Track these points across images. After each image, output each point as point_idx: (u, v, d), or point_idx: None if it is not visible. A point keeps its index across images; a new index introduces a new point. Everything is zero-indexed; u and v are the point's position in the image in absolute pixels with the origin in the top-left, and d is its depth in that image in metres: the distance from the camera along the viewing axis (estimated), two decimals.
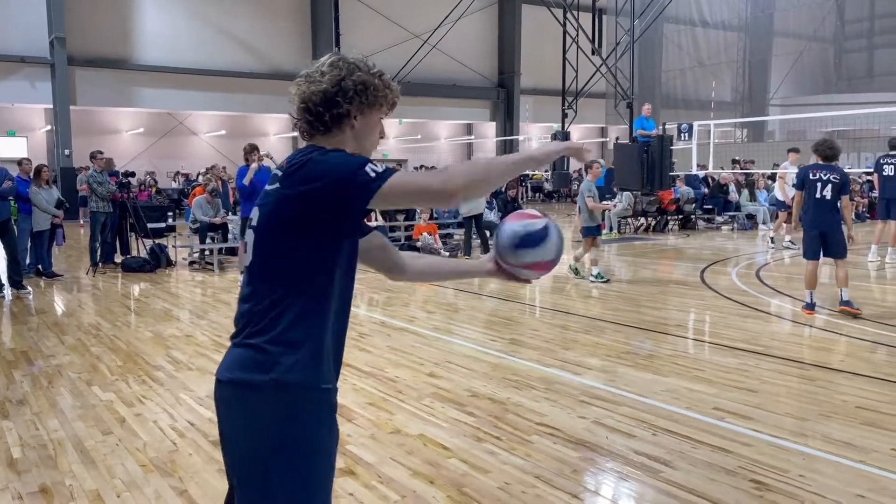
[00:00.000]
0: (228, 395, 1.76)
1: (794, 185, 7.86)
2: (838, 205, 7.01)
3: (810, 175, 7.09)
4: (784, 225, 13.32)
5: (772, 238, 13.50)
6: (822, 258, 7.24)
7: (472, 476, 3.51)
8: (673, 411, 4.43)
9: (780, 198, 13.52)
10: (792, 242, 13.47)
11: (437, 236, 12.55)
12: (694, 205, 16.77)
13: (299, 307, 1.71)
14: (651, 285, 9.32)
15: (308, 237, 1.70)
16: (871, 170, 13.02)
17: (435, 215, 13.42)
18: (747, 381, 5.02)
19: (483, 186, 1.71)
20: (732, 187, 17.18)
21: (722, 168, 17.01)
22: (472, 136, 33.34)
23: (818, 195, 6.99)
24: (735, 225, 16.64)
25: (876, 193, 12.74)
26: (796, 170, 13.85)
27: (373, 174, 1.63)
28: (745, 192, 17.28)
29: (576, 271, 9.79)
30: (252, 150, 9.29)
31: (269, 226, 1.74)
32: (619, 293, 8.70)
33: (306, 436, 1.71)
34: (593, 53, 17.48)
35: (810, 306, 7.12)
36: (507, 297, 8.66)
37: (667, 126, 15.82)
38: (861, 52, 34.94)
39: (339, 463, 3.69)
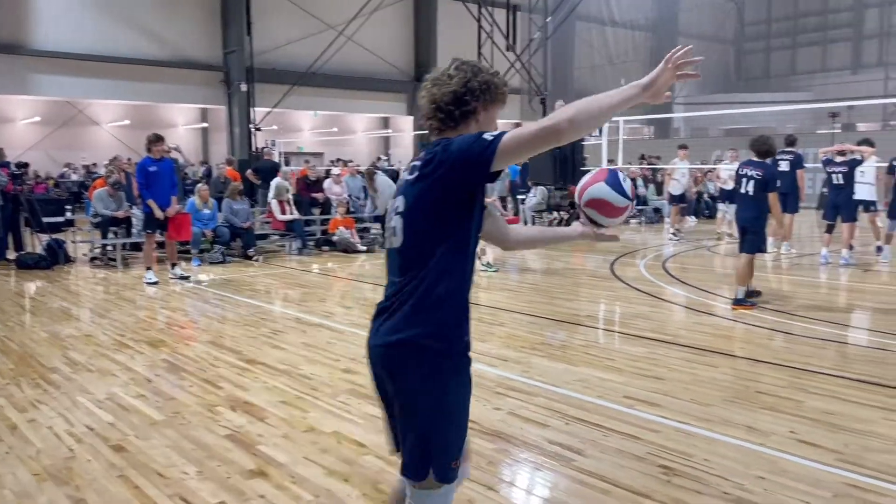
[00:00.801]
0: (395, 354, 2.10)
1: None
2: (763, 200, 7.13)
3: (739, 171, 7.36)
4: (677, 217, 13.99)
5: (673, 231, 14.08)
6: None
7: (388, 472, 3.46)
8: (585, 400, 4.52)
9: (673, 191, 14.13)
10: (677, 232, 14.02)
11: (354, 230, 12.41)
12: None
13: (446, 279, 2.06)
14: (564, 277, 9.52)
15: (449, 218, 2.04)
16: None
17: (352, 209, 13.26)
18: (655, 370, 5.18)
19: (593, 117, 1.90)
20: (640, 182, 17.75)
21: (630, 163, 17.52)
22: (390, 130, 33.17)
23: (742, 190, 7.26)
24: (643, 218, 17.20)
25: None
26: (685, 165, 14.50)
27: (489, 138, 1.91)
28: (652, 186, 17.88)
29: (488, 264, 9.93)
30: (156, 140, 8.90)
31: (416, 211, 2.06)
32: (532, 285, 8.83)
33: (461, 383, 2.15)
34: (508, 49, 17.67)
35: (740, 301, 7.23)
36: None
37: None
38: (758, 53, 36.84)
39: (250, 464, 3.57)
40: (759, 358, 5.49)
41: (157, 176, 8.90)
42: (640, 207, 17.38)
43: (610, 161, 17.30)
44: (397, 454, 2.20)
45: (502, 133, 1.91)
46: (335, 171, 14.66)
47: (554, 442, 3.84)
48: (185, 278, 9.41)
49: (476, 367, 5.19)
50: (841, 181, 10.25)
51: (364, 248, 12.25)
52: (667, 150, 23.37)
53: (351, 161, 16.82)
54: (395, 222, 2.13)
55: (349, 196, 13.32)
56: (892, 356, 5.52)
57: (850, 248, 10.17)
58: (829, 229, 10.51)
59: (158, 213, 8.95)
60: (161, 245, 9.71)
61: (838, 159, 10.40)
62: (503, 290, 8.69)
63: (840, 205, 10.29)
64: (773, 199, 7.15)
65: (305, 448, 3.77)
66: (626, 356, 5.55)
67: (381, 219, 12.51)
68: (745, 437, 3.89)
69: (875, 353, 5.72)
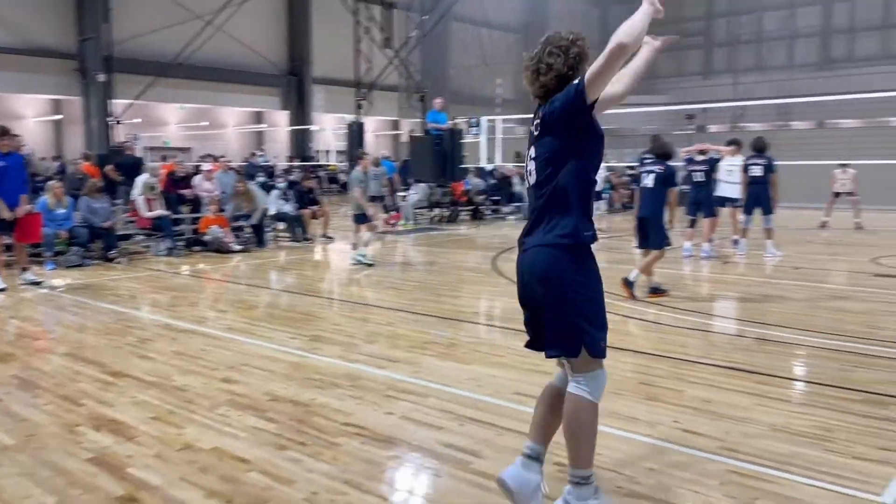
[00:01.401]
0: (553, 252, 2.82)
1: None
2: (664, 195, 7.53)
3: (640, 167, 7.76)
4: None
5: None
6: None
7: (275, 489, 3.24)
8: (478, 399, 4.45)
9: None
10: None
11: (228, 229, 11.82)
12: (483, 196, 17.47)
13: (576, 200, 2.80)
14: (447, 274, 9.49)
15: (571, 153, 2.79)
16: (635, 165, 14.36)
17: (223, 209, 12.64)
18: (543, 365, 5.16)
19: (635, 29, 2.60)
20: (516, 179, 18.13)
21: (507, 162, 17.88)
22: (264, 125, 32.12)
23: (641, 185, 7.62)
24: (519, 215, 17.57)
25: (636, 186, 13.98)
26: None
27: (576, 81, 2.73)
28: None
29: (364, 260, 9.82)
30: (2, 133, 8.06)
31: (546, 156, 2.83)
32: (418, 283, 8.74)
33: (594, 268, 2.92)
34: (384, 46, 17.52)
35: (654, 290, 7.60)
36: (305, 292, 8.35)
37: (457, 120, 16.27)
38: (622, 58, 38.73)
39: (118, 490, 3.23)
40: (639, 349, 5.65)
41: (4, 172, 8.08)
42: (517, 205, 17.74)
43: (488, 160, 17.61)
44: (539, 351, 3.04)
45: (583, 75, 2.71)
46: (206, 166, 13.94)
47: (449, 445, 3.74)
48: (37, 284, 8.59)
49: (364, 370, 5.02)
50: (701, 178, 10.86)
51: (239, 247, 11.71)
52: None
53: (223, 156, 16.07)
54: (531, 166, 2.90)
55: (223, 193, 12.69)
56: (756, 343, 5.84)
57: (710, 241, 10.79)
58: (692, 224, 11.10)
59: (6, 214, 8.12)
60: (9, 248, 8.82)
61: (698, 158, 11.01)
62: (388, 288, 8.53)
63: (701, 201, 10.90)
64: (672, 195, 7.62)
65: (182, 468, 3.46)
66: (515, 352, 5.55)
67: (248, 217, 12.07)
68: (633, 429, 3.96)
69: (740, 340, 6.04)
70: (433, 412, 4.23)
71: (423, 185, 15.91)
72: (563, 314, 2.83)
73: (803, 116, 29.38)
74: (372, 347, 5.71)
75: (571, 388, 2.92)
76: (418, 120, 18.43)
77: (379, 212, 12.41)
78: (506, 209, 17.88)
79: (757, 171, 10.56)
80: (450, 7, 19.12)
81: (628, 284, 7.50)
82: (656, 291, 7.63)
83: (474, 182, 17.11)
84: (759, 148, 10.62)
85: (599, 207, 18.06)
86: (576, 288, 2.81)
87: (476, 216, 17.33)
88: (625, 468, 3.44)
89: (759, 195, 10.54)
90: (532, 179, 2.90)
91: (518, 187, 18.09)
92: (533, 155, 2.88)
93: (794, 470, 3.41)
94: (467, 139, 16.07)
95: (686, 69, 36.06)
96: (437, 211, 16.55)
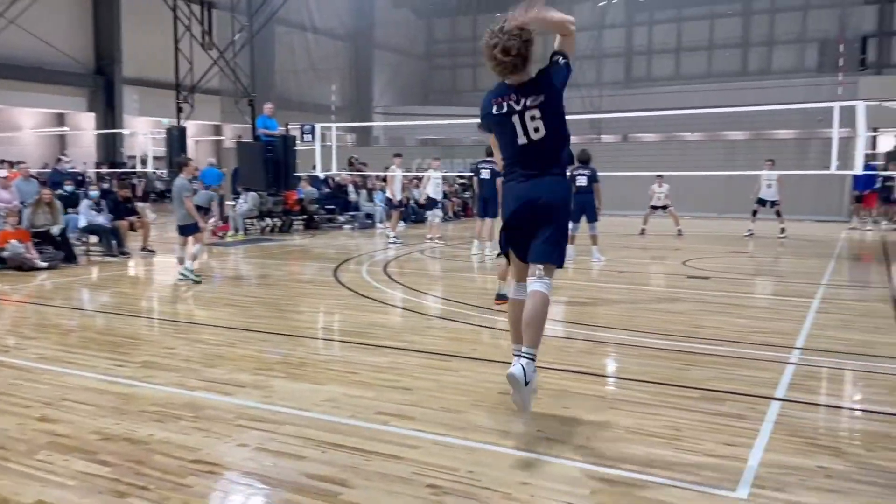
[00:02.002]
0: (565, 182, 4.17)
1: None
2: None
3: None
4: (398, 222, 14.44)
5: (389, 235, 14.42)
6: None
7: None
8: (338, 423, 4.22)
9: (389, 197, 14.60)
10: (396, 238, 14.53)
11: (30, 244, 10.53)
12: (317, 205, 17.06)
13: (564, 147, 4.14)
14: (287, 288, 9.09)
15: (562, 114, 4.03)
16: (468, 173, 14.69)
17: (22, 223, 11.26)
18: (402, 380, 5.07)
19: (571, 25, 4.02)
20: (351, 188, 17.91)
21: (342, 170, 17.56)
22: (67, 128, 29.26)
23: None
24: (356, 224, 17.36)
25: (469, 194, 14.31)
26: (401, 173, 15.09)
27: (563, 61, 4.05)
28: (364, 192, 18.17)
29: (190, 276, 9.12)
30: None
31: (550, 116, 3.97)
32: (256, 299, 8.26)
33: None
34: (208, 48, 16.57)
35: (501, 297, 7.54)
36: (128, 313, 7.60)
37: (290, 126, 15.74)
38: (446, 69, 39.76)
39: None
40: (491, 358, 5.68)
41: None
42: (352, 213, 17.51)
43: (324, 168, 17.18)
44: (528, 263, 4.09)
45: (566, 55, 4.05)
46: (2, 173, 12.38)
47: (313, 475, 3.48)
48: None
49: (208, 398, 4.60)
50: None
51: (44, 264, 10.48)
52: (369, 157, 23.98)
53: (22, 162, 14.38)
54: (536, 124, 3.97)
55: (23, 203, 11.32)
56: (596, 346, 6.10)
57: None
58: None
59: None
60: None
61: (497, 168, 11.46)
62: (224, 305, 7.99)
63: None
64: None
65: None
66: (370, 368, 5.37)
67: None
68: (501, 442, 3.92)
69: (582, 344, 6.26)
70: (291, 440, 3.94)
71: (253, 193, 15.21)
72: (562, 232, 4.08)
73: (611, 131, 31.81)
74: (213, 372, 5.26)
75: (538, 286, 3.98)
76: (244, 125, 17.65)
77: (206, 222, 11.67)
78: (341, 218, 17.57)
79: (582, 181, 11.15)
80: (276, 11, 18.47)
81: (501, 297, 7.54)
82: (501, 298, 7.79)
83: (308, 190, 16.65)
84: (584, 160, 11.23)
85: (437, 216, 18.34)
86: (568, 213, 4.18)
87: (310, 226, 16.88)
88: (500, 485, 3.38)
89: (584, 204, 11.13)
90: (537, 136, 4.00)
91: (353, 195, 17.86)
92: (537, 115, 3.97)
93: (656, 472, 3.52)
94: (300, 146, 15.58)
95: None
96: (268, 221, 15.90)
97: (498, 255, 4.78)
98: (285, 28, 27.21)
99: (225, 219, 15.17)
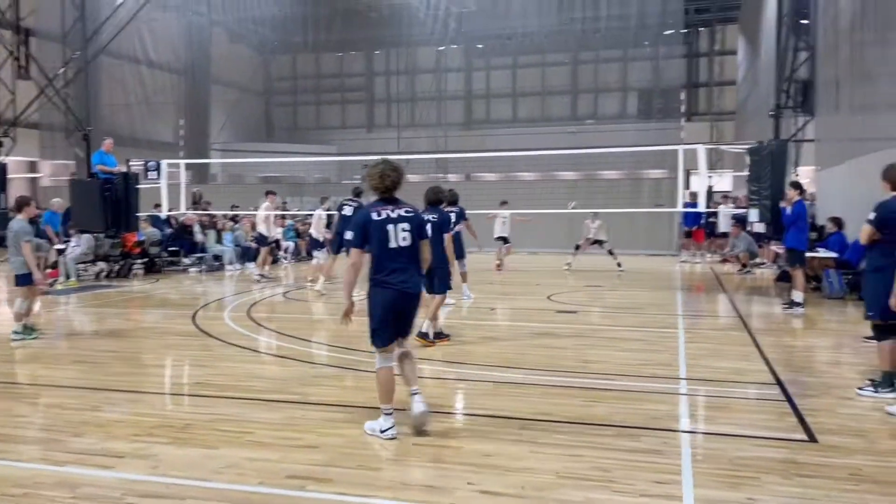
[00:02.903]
0: (417, 292, 4.98)
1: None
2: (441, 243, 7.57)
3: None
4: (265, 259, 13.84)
5: (260, 275, 13.88)
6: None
7: None
8: (248, 492, 3.76)
9: (264, 233, 14.12)
10: (263, 275, 13.90)
11: None
12: (159, 247, 15.84)
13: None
14: (145, 339, 8.21)
15: None
16: (313, 211, 14.30)
17: None
18: (305, 437, 4.66)
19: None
20: (197, 227, 16.83)
21: (171, 209, 16.35)
22: None
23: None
24: (203, 266, 16.28)
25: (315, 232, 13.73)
26: (273, 211, 14.50)
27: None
28: (212, 233, 17.14)
29: (25, 330, 8.01)
30: None
31: (414, 233, 4.81)
32: (113, 353, 7.36)
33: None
34: (21, 77, 15.03)
35: (423, 335, 7.60)
36: None
37: (132, 163, 14.54)
38: (287, 106, 39.06)
39: None
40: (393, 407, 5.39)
41: None
42: (199, 255, 16.41)
43: (156, 206, 16.01)
44: (401, 340, 4.88)
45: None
46: None
47: None
48: None
49: (84, 474, 3.95)
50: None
51: None
52: (207, 195, 22.77)
53: None
54: (404, 235, 4.75)
55: None
56: (501, 387, 5.98)
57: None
58: None
59: None
60: None
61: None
62: (74, 362, 7.02)
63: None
64: (448, 239, 7.79)
65: None
66: (265, 426, 4.90)
67: None
68: (435, 500, 3.67)
69: (486, 385, 6.09)
70: None
71: (87, 235, 13.81)
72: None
73: (455, 170, 32.65)
74: (82, 442, 4.56)
75: (408, 346, 4.98)
76: (66, 161, 16.10)
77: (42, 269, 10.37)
78: (186, 260, 16.38)
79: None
80: (110, 41, 17.17)
81: (424, 336, 7.58)
82: (441, 336, 7.80)
83: (149, 231, 15.41)
84: (453, 200, 11.30)
85: (288, 257, 17.67)
86: None
87: (151, 269, 15.59)
88: None
89: (454, 242, 11.15)
90: (405, 243, 4.74)
91: (200, 236, 16.76)
92: (407, 228, 4.76)
93: None
94: (144, 185, 14.38)
95: (349, 121, 37.72)
96: (101, 265, 14.46)
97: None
98: (115, 60, 25.35)
99: (53, 264, 13.62)
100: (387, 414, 4.63)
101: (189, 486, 3.83)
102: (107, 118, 27.34)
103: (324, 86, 38.08)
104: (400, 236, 4.65)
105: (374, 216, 4.66)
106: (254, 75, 37.41)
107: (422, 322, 7.56)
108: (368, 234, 4.64)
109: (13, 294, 8.38)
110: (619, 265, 15.71)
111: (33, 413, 5.24)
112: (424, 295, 7.87)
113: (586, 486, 3.82)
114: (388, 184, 4.70)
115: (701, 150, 10.83)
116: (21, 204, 8.04)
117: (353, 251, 4.75)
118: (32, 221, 8.55)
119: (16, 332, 7.88)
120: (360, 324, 8.56)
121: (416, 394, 4.73)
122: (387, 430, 4.59)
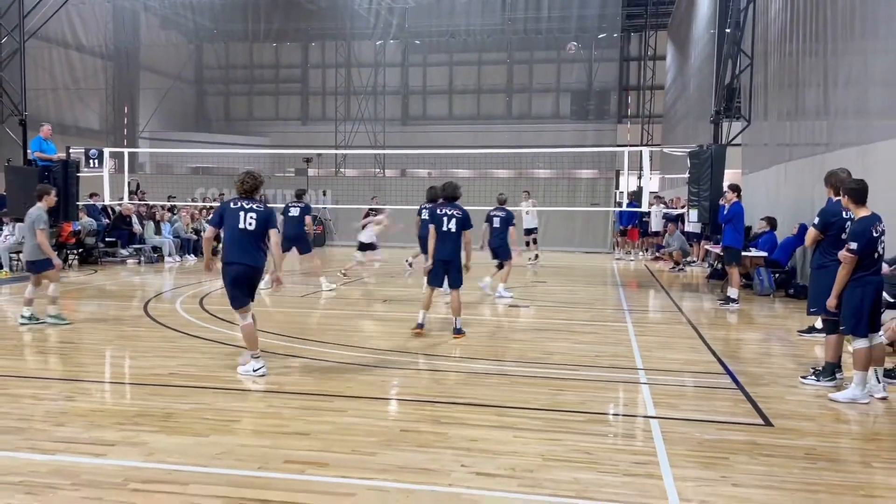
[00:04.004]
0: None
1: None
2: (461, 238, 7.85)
3: (437, 211, 7.88)
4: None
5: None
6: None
7: None
8: (250, 476, 3.85)
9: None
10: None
11: None
12: (95, 237, 15.35)
13: None
14: (102, 331, 8.02)
15: None
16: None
17: None
18: (291, 425, 4.75)
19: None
20: (135, 219, 16.39)
21: (121, 199, 15.97)
22: None
23: (444, 228, 7.77)
24: (141, 258, 15.87)
25: None
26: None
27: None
28: (151, 224, 16.71)
29: (31, 318, 7.94)
30: None
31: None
32: (73, 344, 7.20)
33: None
34: None
35: (420, 326, 7.95)
36: None
37: (73, 151, 14.01)
38: (219, 96, 38.17)
39: None
40: (372, 395, 5.53)
41: None
42: (137, 247, 15.98)
43: (94, 195, 15.52)
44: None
45: None
46: None
47: None
48: None
49: (79, 462, 3.99)
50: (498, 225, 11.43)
51: None
52: (156, 185, 22.19)
53: None
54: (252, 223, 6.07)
55: None
56: (473, 377, 6.19)
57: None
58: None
59: None
60: None
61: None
62: (39, 353, 6.84)
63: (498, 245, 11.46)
64: (468, 237, 7.92)
65: None
66: (249, 414, 4.97)
67: None
68: (434, 482, 3.85)
69: (457, 375, 6.27)
70: (210, 501, 3.51)
71: (20, 224, 13.26)
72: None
73: (392, 165, 32.70)
74: (66, 430, 4.52)
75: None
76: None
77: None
78: (124, 252, 15.92)
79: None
80: (41, 26, 16.48)
81: (459, 332, 7.86)
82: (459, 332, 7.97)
83: (85, 221, 14.91)
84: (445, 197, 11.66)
85: None
86: None
87: (87, 260, 15.11)
88: None
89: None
90: (251, 228, 6.09)
91: (137, 227, 16.32)
92: (253, 217, 6.10)
93: (592, 495, 3.68)
94: (85, 173, 13.89)
95: (284, 113, 37.17)
96: None
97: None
98: (43, 43, 24.26)
99: None
100: (255, 357, 5.99)
101: (188, 471, 3.88)
102: (31, 102, 26.18)
103: (258, 76, 37.39)
104: (247, 221, 5.99)
105: (232, 205, 6.10)
106: (186, 63, 36.40)
107: (454, 320, 7.99)
108: (223, 217, 6.09)
109: (32, 281, 8.39)
110: (536, 256, 16.52)
111: (6, 403, 5.12)
112: (444, 290, 8.28)
113: (572, 468, 4.07)
114: (246, 188, 6.17)
115: (646, 153, 11.31)
116: (42, 193, 8.40)
117: (209, 228, 6.29)
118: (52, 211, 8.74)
119: (23, 316, 8.15)
120: (318, 317, 8.55)
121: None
122: (258, 369, 5.94)
